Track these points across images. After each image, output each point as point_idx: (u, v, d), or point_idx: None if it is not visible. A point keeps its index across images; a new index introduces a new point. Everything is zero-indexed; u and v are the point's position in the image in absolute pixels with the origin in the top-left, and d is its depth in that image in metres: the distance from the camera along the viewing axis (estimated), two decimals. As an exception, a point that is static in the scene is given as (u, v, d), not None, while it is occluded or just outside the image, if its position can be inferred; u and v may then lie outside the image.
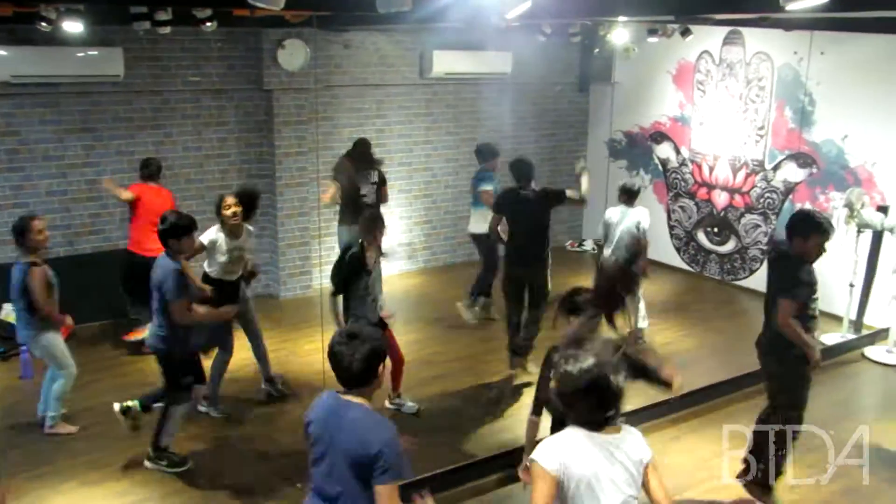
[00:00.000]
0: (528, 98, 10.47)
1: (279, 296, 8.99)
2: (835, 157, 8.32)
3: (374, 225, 5.72)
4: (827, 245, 4.80)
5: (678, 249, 10.19)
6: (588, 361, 2.89)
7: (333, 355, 3.13)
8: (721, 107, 9.39)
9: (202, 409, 6.16)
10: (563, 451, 2.88)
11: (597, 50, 9.75)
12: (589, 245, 11.05)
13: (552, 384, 3.09)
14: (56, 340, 5.72)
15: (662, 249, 10.10)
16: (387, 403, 6.23)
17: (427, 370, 6.97)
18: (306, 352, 6.99)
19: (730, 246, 9.59)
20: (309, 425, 3.24)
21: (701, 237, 9.91)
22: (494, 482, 5.36)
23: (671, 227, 10.21)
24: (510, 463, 5.51)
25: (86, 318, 5.91)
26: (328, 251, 8.59)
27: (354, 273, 5.65)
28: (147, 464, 5.45)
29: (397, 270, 7.95)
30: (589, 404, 2.89)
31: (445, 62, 9.41)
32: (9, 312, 6.79)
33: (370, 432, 3.08)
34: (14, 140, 7.55)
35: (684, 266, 10.12)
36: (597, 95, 11.02)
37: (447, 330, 8.04)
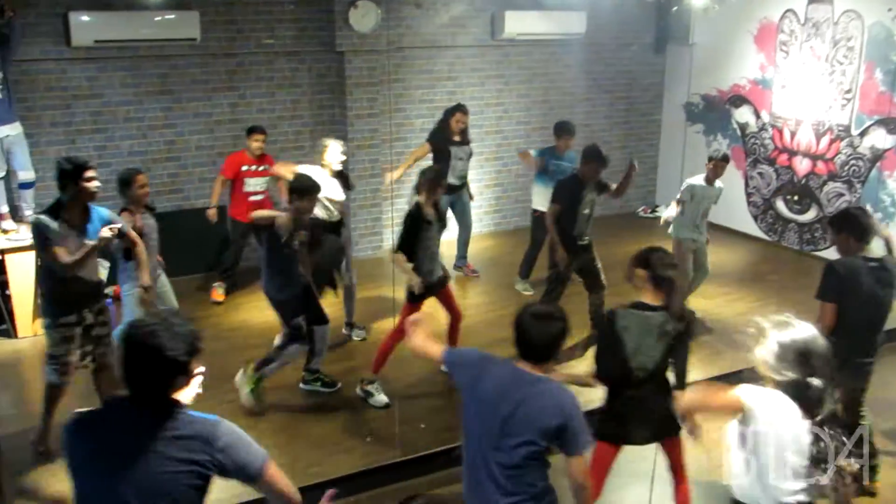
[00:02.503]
0: (603, 59, 10.26)
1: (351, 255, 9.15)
2: (927, 121, 7.93)
3: (436, 183, 5.85)
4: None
5: (755, 217, 9.90)
6: (803, 328, 3.10)
7: (524, 330, 3.23)
8: (805, 69, 9.02)
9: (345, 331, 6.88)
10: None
11: (674, 9, 9.46)
12: (662, 212, 10.82)
13: (761, 353, 3.16)
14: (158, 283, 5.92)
15: (739, 217, 9.84)
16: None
17: (495, 332, 6.95)
18: (377, 311, 7.09)
19: (810, 215, 9.27)
20: (473, 389, 3.29)
21: (780, 205, 9.61)
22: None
23: (748, 195, 9.93)
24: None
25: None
26: (399, 212, 8.62)
27: (416, 228, 5.73)
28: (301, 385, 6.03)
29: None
30: (804, 372, 3.02)
31: (518, 23, 9.27)
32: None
33: (561, 399, 3.17)
34: (98, 102, 7.79)
35: (761, 234, 9.85)
36: (673, 57, 10.72)
37: (515, 292, 8.04)
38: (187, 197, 8.31)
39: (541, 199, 7.81)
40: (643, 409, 4.03)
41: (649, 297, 3.96)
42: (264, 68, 8.45)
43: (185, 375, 2.51)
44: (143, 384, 2.49)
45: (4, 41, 6.74)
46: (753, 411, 3.06)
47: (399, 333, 5.61)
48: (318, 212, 6.32)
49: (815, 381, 3.00)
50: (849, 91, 8.62)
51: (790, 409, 3.03)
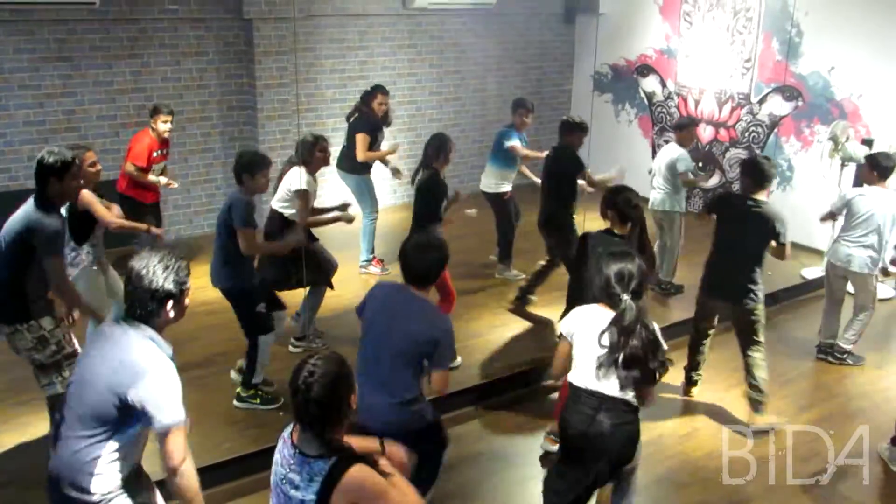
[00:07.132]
0: (514, 30, 10.34)
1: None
2: (821, 89, 8.28)
3: (446, 146, 6.04)
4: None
5: (662, 184, 10.15)
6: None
7: (406, 258, 3.66)
8: (708, 39, 9.29)
9: (294, 348, 6.01)
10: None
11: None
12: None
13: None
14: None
15: (645, 184, 10.08)
16: None
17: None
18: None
19: (714, 180, 9.59)
20: (364, 308, 3.76)
21: (685, 171, 9.88)
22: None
23: (656, 162, 10.17)
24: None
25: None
26: (311, 184, 8.51)
27: (442, 195, 5.98)
28: (237, 404, 5.36)
29: (381, 205, 7.96)
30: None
31: (429, -8, 9.23)
32: None
33: (436, 320, 3.62)
34: (-12, 69, 7.39)
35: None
36: (583, 27, 10.87)
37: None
38: (89, 169, 7.97)
39: (494, 179, 7.48)
40: None
41: (617, 229, 4.55)
42: (168, 35, 8.17)
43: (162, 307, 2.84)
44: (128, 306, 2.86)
45: None
46: (573, 335, 3.61)
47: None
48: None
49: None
50: (748, 60, 8.92)
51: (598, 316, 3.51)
